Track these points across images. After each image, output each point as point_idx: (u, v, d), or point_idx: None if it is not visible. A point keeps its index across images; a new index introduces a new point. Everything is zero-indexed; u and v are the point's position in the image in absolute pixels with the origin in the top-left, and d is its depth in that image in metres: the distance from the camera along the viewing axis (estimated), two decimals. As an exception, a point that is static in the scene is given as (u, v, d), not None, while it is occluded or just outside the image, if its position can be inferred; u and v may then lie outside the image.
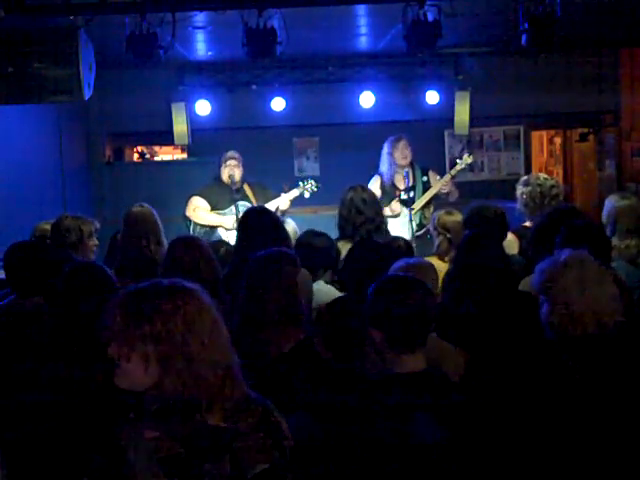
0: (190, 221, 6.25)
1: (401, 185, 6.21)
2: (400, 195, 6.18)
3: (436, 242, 4.51)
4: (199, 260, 3.57)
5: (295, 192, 6.32)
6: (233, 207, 6.00)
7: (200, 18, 5.46)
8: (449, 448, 2.15)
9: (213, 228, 6.22)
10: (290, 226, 5.11)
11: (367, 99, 8.10)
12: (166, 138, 8.11)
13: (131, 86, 7.76)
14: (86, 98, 4.87)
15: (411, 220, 5.68)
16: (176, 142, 8.07)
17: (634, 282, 3.73)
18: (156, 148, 10.47)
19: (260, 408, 1.87)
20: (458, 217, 4.46)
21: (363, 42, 7.45)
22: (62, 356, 2.65)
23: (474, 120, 8.11)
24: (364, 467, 2.15)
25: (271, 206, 5.94)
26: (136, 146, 9.68)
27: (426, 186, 6.26)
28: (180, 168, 8.32)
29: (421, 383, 2.24)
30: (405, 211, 5.94)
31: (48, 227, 4.58)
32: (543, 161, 10.91)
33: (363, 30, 6.86)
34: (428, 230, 5.40)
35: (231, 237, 5.69)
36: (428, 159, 7.01)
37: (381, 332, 2.29)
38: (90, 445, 2.01)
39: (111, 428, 1.88)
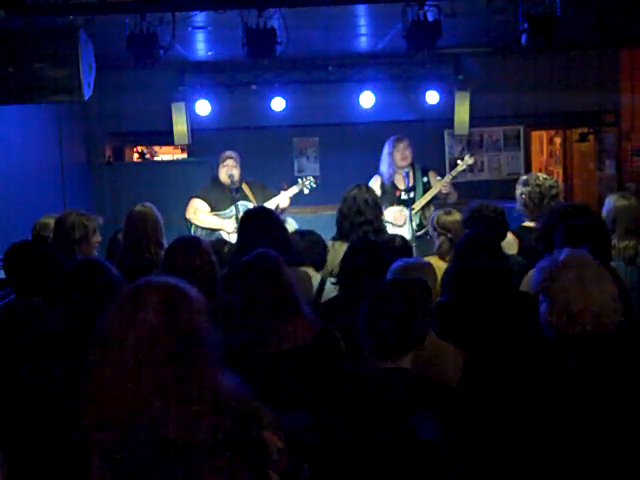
0: (191, 223, 6.23)
1: (401, 185, 6.21)
2: (400, 195, 6.19)
3: (437, 242, 4.50)
4: (197, 260, 3.55)
5: (294, 189, 6.29)
6: (233, 207, 5.99)
7: (200, 18, 5.46)
8: (448, 448, 2.16)
9: (214, 231, 6.19)
10: (291, 226, 5.11)
11: (367, 99, 8.10)
12: (166, 138, 8.12)
13: (131, 86, 7.77)
14: (86, 98, 4.87)
15: (411, 220, 5.68)
16: (176, 142, 8.07)
17: (632, 282, 3.73)
18: (156, 148, 10.46)
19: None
20: (457, 216, 4.46)
21: (363, 42, 7.45)
22: (63, 356, 2.65)
23: (474, 120, 8.11)
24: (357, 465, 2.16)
25: (271, 204, 5.94)
26: (136, 146, 9.66)
27: (426, 187, 6.25)
28: (180, 168, 8.31)
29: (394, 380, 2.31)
30: (405, 211, 5.94)
31: (49, 221, 4.55)
32: (543, 161, 10.91)
33: (363, 30, 6.86)
34: (428, 230, 5.39)
35: (232, 239, 5.66)
36: (428, 159, 7.02)
37: (366, 339, 2.39)
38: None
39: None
